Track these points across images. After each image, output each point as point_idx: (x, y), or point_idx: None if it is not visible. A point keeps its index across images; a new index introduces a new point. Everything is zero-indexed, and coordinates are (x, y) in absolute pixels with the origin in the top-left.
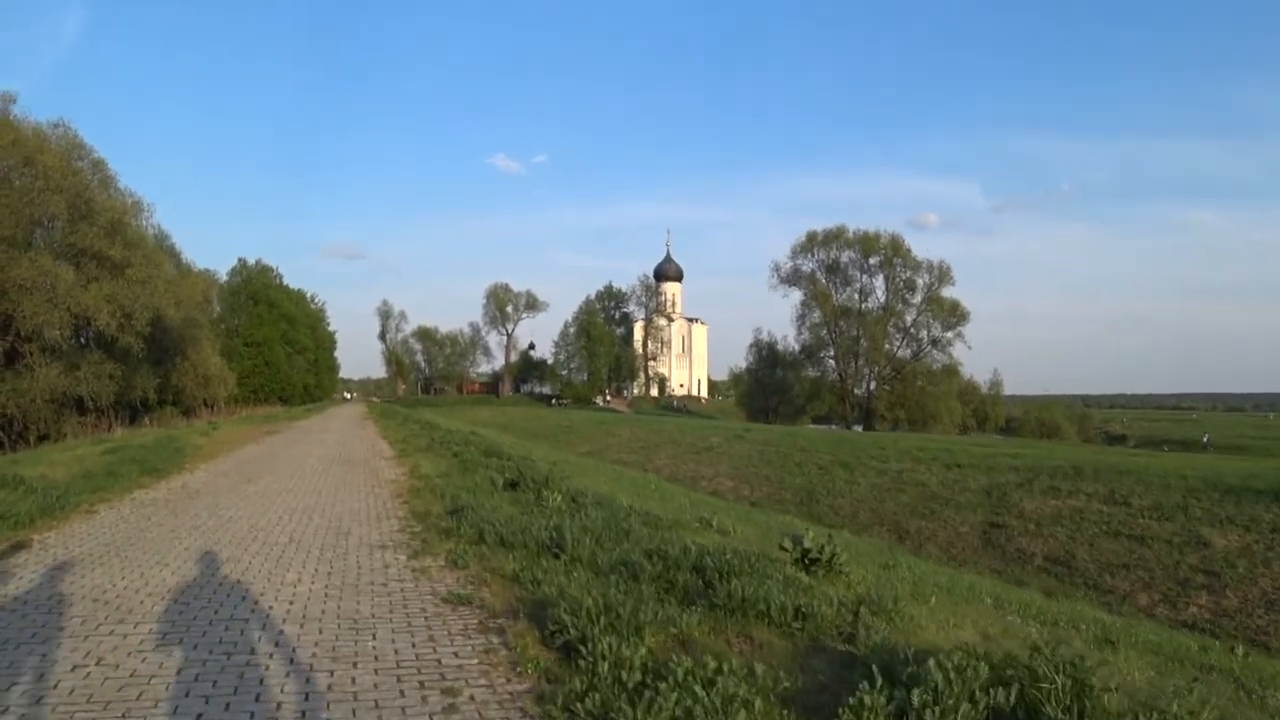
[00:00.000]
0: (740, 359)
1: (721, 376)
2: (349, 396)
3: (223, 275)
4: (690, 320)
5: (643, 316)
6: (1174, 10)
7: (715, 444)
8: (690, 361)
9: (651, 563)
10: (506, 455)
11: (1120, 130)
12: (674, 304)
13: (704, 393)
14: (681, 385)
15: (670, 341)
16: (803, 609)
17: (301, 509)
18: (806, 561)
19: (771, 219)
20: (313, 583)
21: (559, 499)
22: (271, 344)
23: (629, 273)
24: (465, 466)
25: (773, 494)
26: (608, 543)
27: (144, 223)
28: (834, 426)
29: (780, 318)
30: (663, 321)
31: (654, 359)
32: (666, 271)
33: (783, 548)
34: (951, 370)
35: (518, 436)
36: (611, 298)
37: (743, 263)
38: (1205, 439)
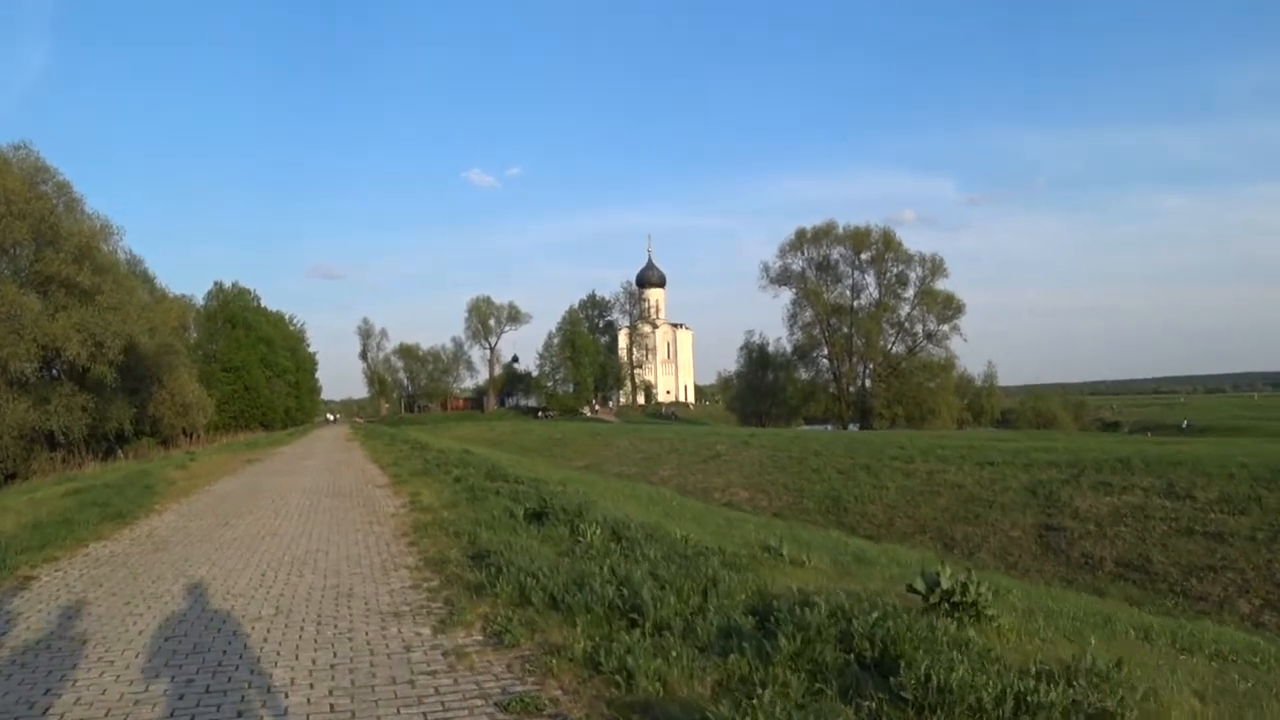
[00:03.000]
0: (725, 364)
1: (707, 382)
2: (332, 418)
3: (199, 300)
4: (675, 326)
5: (627, 324)
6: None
7: (722, 451)
8: (676, 368)
9: (787, 635)
10: (515, 477)
11: (1090, 121)
12: (658, 310)
13: (691, 399)
14: (668, 392)
15: (655, 348)
16: (1027, 698)
17: (289, 560)
18: (948, 607)
19: (748, 223)
20: (311, 685)
21: (598, 533)
22: (250, 368)
23: (611, 282)
24: (473, 494)
25: (794, 503)
26: (692, 596)
27: (114, 247)
28: (829, 427)
29: (764, 321)
30: (647, 328)
31: (640, 366)
32: (649, 278)
33: (914, 589)
34: (949, 364)
35: (510, 452)
36: (595, 306)
37: (723, 267)
38: (1185, 424)
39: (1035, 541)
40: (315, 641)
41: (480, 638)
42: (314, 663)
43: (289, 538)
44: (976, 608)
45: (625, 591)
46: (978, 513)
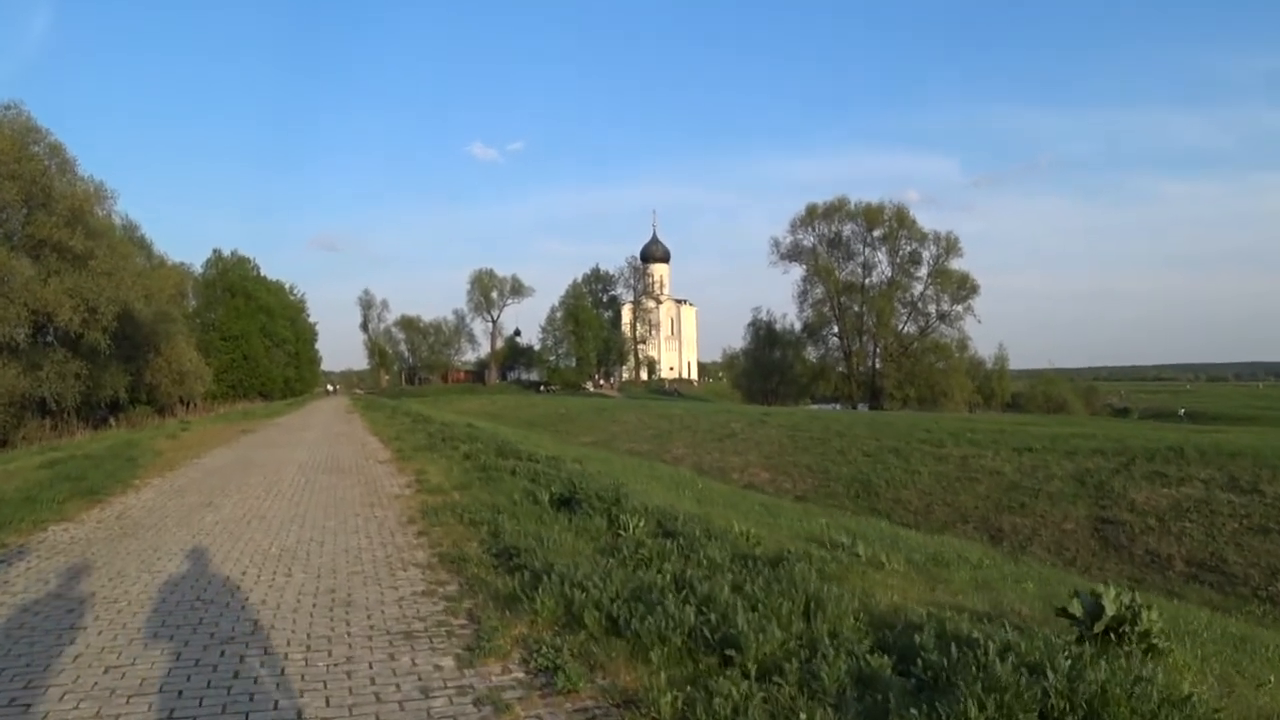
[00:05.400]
0: (729, 340)
1: (710, 358)
2: (332, 389)
3: (198, 268)
4: (679, 302)
5: (630, 299)
6: None
7: (737, 430)
8: (679, 344)
9: (975, 699)
10: (529, 455)
11: (1097, 102)
12: (662, 285)
13: (694, 375)
14: (671, 368)
15: (659, 324)
16: None
17: (276, 553)
18: (1114, 637)
19: (753, 200)
20: None
21: (641, 525)
22: (250, 337)
23: (615, 257)
24: (486, 473)
25: (819, 486)
26: (794, 622)
27: (109, 211)
28: (838, 406)
29: (769, 297)
30: (651, 303)
31: (643, 342)
32: (653, 253)
33: (1066, 612)
34: (962, 345)
35: (513, 427)
36: (599, 280)
37: (727, 244)
38: (1182, 412)
39: (1092, 536)
40: (302, 678)
41: (521, 675)
42: (299, 716)
43: (279, 523)
44: (1149, 638)
45: (711, 615)
46: (1023, 502)
